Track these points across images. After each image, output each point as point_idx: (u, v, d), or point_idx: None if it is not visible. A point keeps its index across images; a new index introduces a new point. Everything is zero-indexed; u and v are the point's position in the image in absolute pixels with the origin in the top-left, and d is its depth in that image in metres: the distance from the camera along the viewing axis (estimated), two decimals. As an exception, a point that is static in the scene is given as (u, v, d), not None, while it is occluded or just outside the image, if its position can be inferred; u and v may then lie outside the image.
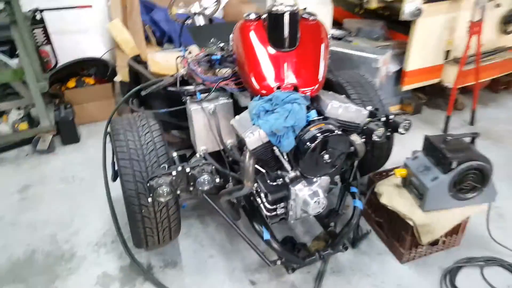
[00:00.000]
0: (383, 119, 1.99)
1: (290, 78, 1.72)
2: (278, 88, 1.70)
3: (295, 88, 1.70)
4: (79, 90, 3.32)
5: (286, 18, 1.72)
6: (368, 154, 2.31)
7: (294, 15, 1.74)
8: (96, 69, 3.47)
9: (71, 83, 3.29)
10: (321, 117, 1.69)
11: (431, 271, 2.06)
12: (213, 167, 1.72)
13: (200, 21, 2.86)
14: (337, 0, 3.97)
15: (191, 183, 1.70)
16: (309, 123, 1.64)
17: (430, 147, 1.99)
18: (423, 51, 3.12)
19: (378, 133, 1.93)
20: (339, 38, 3.55)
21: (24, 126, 3.01)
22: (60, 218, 2.45)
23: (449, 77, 3.23)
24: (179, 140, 2.43)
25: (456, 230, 2.11)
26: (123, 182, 1.79)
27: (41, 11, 3.22)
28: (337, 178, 1.96)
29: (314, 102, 1.78)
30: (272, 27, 1.76)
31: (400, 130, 2.01)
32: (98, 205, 2.50)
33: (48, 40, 3.40)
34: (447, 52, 3.26)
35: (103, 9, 3.74)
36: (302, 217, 1.84)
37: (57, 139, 3.19)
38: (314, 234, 2.27)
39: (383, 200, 2.06)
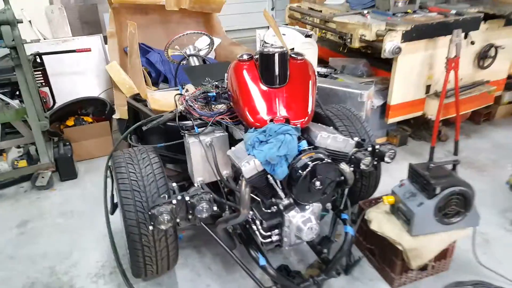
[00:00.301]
0: (370, 148, 2.12)
1: (282, 111, 1.86)
2: (271, 120, 1.83)
3: (287, 121, 1.84)
4: (78, 128, 3.43)
5: (277, 58, 1.88)
6: (358, 183, 2.45)
7: (283, 55, 1.91)
8: (94, 108, 3.61)
9: (70, 122, 3.42)
10: (311, 146, 1.82)
11: (422, 295, 2.12)
12: (211, 195, 1.81)
13: (194, 61, 3.05)
14: (322, 40, 4.27)
15: (190, 211, 1.78)
16: (300, 152, 1.76)
17: (415, 175, 2.12)
18: (405, 86, 3.33)
19: (366, 161, 2.06)
20: (325, 75, 3.78)
21: (23, 163, 3.09)
22: (59, 251, 2.49)
23: (432, 110, 3.42)
24: (176, 173, 2.52)
25: (444, 255, 2.19)
26: (124, 212, 1.86)
27: (41, 55, 3.39)
28: (328, 205, 2.05)
29: (304, 133, 1.91)
30: (264, 66, 1.92)
31: (386, 159, 2.15)
32: (96, 238, 2.55)
33: (46, 82, 3.56)
34: (428, 86, 3.48)
35: (99, 52, 3.94)
36: (296, 244, 1.92)
37: (56, 176, 3.26)
38: (308, 262, 2.32)
39: (373, 226, 2.15)
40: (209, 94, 2.15)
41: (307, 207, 1.86)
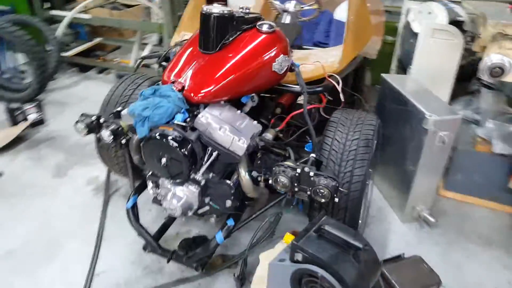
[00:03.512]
0: (299, 170, 1.62)
1: (185, 78, 1.70)
2: (173, 82, 1.73)
3: (183, 88, 1.69)
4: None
5: (210, 20, 1.68)
6: (315, 210, 1.91)
7: (221, 19, 1.68)
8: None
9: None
10: (186, 124, 1.64)
11: None
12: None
13: (285, 19, 2.81)
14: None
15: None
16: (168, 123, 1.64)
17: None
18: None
19: (280, 179, 1.64)
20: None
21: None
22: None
23: None
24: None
25: None
26: None
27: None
28: (228, 203, 1.77)
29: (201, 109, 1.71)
30: (200, 26, 1.75)
31: (316, 194, 1.61)
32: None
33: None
34: None
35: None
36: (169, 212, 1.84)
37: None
38: (238, 244, 2.20)
39: (261, 255, 1.75)
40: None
41: (183, 184, 1.76)
